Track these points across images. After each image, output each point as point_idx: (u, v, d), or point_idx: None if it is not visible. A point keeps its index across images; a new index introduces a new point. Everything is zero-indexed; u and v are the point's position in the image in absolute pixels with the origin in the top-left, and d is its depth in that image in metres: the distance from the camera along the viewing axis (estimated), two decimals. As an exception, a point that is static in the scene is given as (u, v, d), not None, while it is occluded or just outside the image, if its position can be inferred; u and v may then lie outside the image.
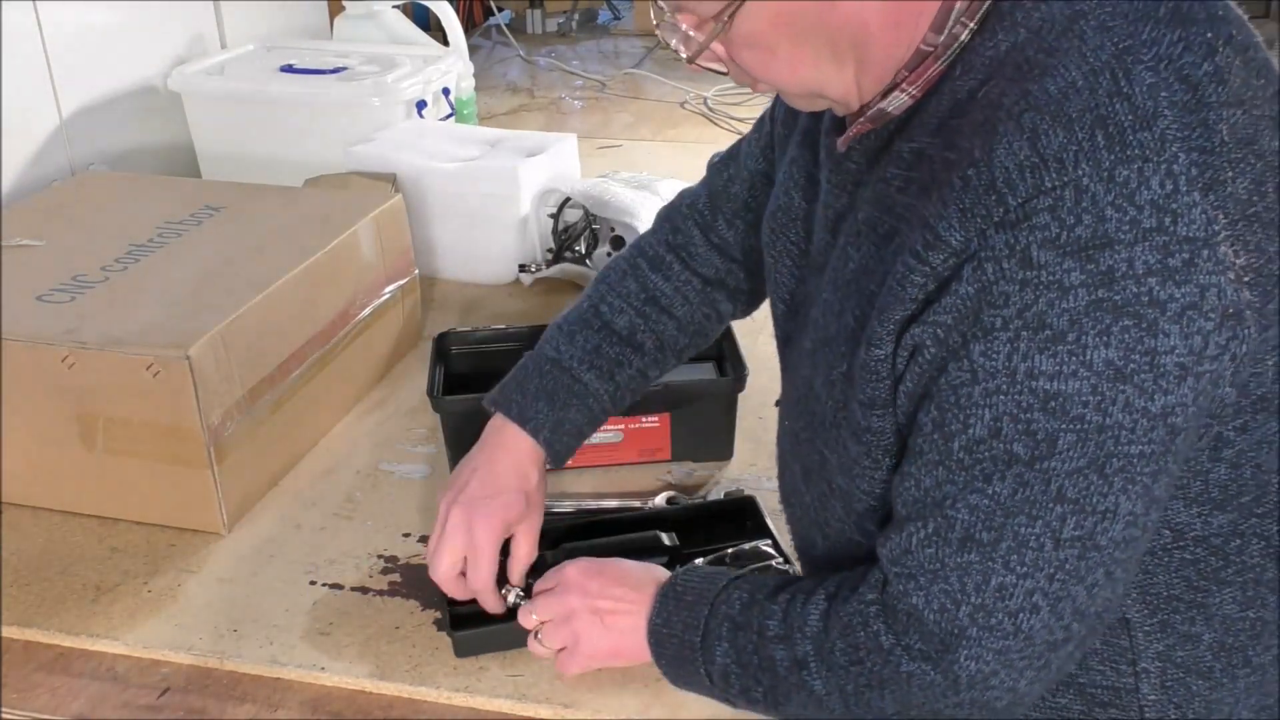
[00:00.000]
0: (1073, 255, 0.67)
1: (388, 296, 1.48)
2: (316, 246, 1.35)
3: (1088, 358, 0.68)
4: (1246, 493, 0.78)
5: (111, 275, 1.30)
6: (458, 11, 2.26)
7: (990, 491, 0.72)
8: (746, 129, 2.33)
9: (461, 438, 1.27)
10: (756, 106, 2.48)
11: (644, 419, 1.28)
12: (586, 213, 1.70)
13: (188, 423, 1.16)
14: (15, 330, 1.19)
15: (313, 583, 1.14)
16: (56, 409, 1.19)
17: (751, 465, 1.29)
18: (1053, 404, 0.69)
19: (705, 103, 2.52)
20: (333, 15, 2.36)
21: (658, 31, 0.82)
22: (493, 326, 1.43)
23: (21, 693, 1.03)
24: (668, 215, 1.16)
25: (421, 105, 1.96)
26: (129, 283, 1.29)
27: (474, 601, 1.05)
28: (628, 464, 1.30)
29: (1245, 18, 0.75)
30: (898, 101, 0.79)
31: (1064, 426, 0.69)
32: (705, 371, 1.36)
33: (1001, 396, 0.70)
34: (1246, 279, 0.68)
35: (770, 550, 1.10)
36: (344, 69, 1.99)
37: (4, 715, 1.01)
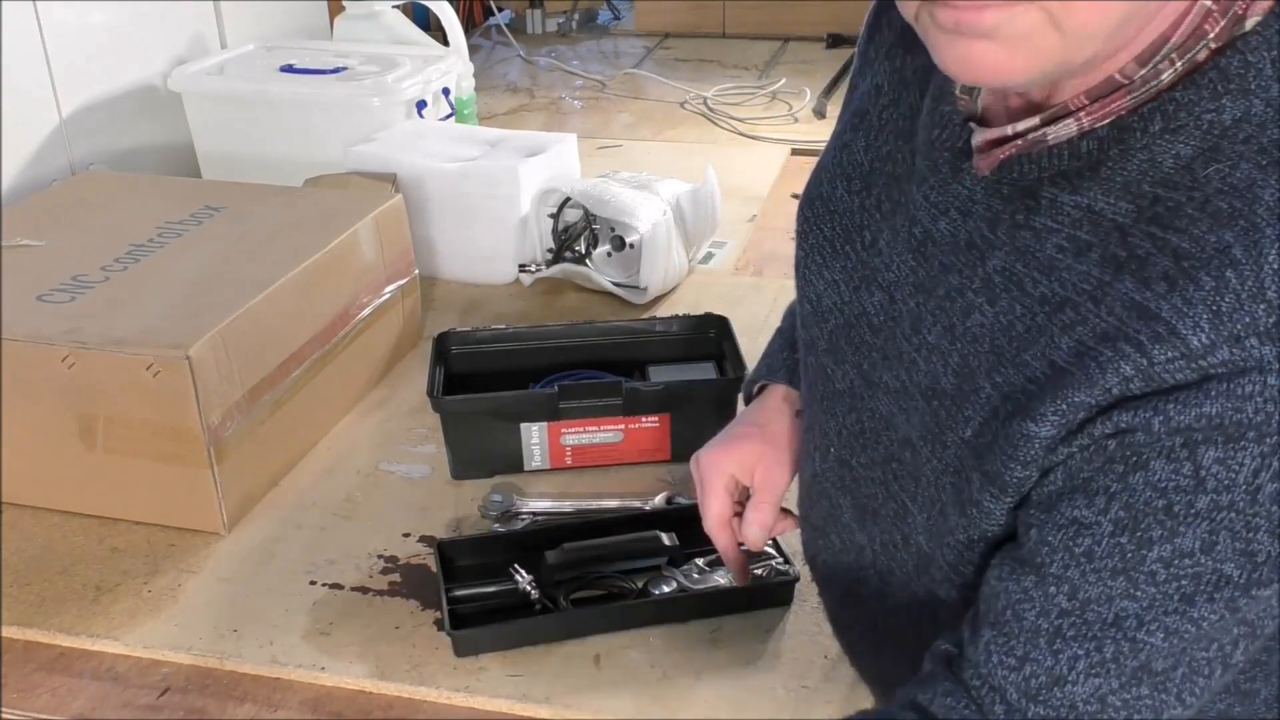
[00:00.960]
0: None
1: (388, 296, 1.48)
2: (316, 246, 1.35)
3: None
4: None
5: (111, 275, 1.30)
6: (458, 11, 2.26)
7: (1193, 615, 0.63)
8: (746, 129, 2.35)
9: (461, 438, 1.27)
10: (757, 107, 2.49)
11: (644, 419, 1.28)
12: (586, 213, 1.70)
13: (188, 423, 1.16)
14: (15, 330, 1.19)
15: (313, 583, 1.14)
16: (56, 409, 1.19)
17: None
18: None
19: (705, 103, 2.52)
20: (333, 15, 2.35)
21: None
22: (493, 326, 1.43)
23: (21, 693, 1.03)
24: None
25: (421, 105, 1.96)
26: (129, 283, 1.29)
27: (474, 600, 1.05)
28: (628, 464, 1.30)
29: None
30: (1065, 131, 0.67)
31: None
32: (705, 371, 1.36)
33: (1232, 514, 0.61)
34: None
35: (771, 550, 1.10)
36: (344, 69, 1.99)
37: (4, 715, 1.01)
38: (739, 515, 0.97)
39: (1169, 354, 0.61)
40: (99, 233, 1.41)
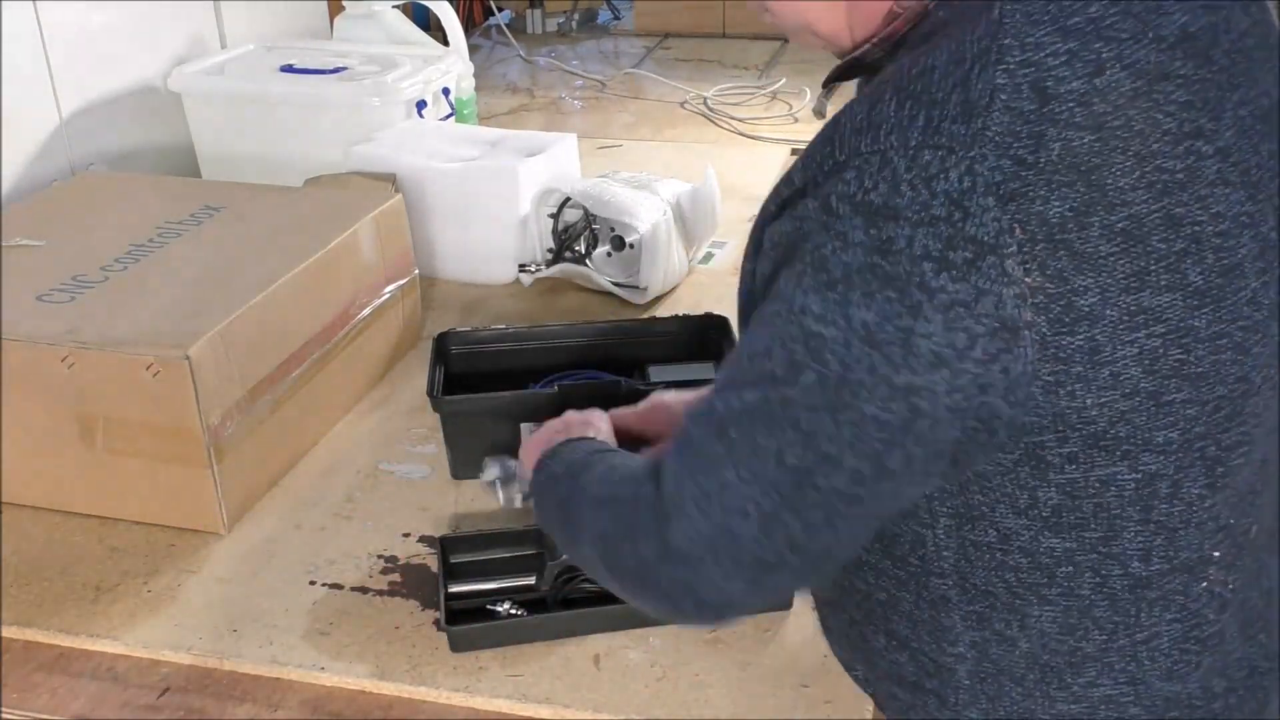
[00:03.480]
0: (862, 214, 0.70)
1: (388, 296, 1.48)
2: (316, 246, 1.35)
3: (849, 312, 0.71)
4: (1090, 528, 0.77)
5: (111, 275, 1.30)
6: (458, 11, 2.26)
7: (744, 396, 0.76)
8: (746, 129, 2.35)
9: (461, 438, 1.27)
10: (757, 107, 2.49)
11: None
12: (586, 213, 1.70)
13: (188, 423, 1.16)
14: (15, 330, 1.19)
15: (313, 583, 1.14)
16: (56, 409, 1.19)
17: None
18: (812, 342, 0.72)
19: (705, 103, 2.52)
20: (333, 15, 2.35)
21: None
22: (493, 326, 1.43)
23: (21, 693, 1.03)
24: None
25: (421, 105, 1.96)
26: (129, 283, 1.29)
27: (473, 597, 1.06)
28: None
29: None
30: (872, 56, 0.83)
31: (811, 364, 0.72)
32: (705, 371, 1.36)
33: (780, 321, 0.74)
34: (1035, 300, 0.68)
35: None
36: (344, 69, 1.99)
37: (4, 715, 1.01)
38: None
39: (787, 190, 0.78)
40: (99, 233, 1.41)
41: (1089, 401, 0.72)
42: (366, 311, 1.43)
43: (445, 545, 1.13)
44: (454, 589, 1.09)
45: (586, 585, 1.09)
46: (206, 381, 1.16)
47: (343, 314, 1.39)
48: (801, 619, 1.07)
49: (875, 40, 0.82)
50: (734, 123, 2.41)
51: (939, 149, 0.68)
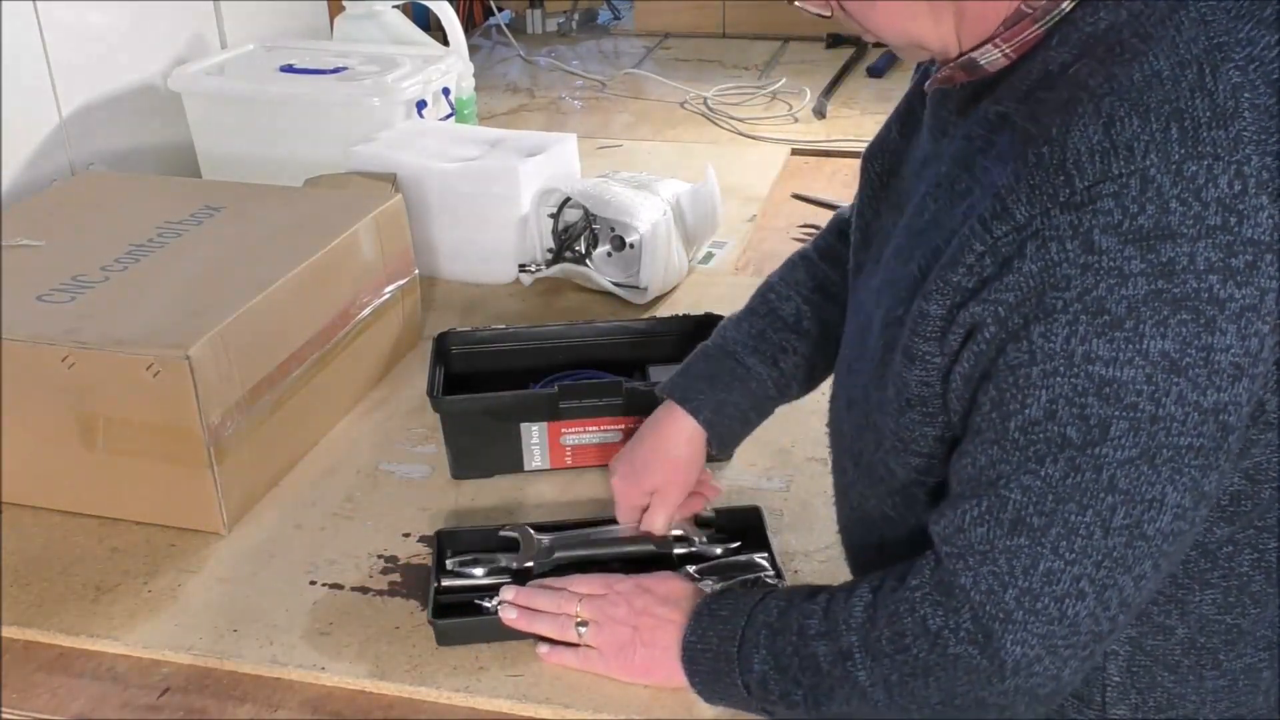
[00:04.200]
0: (1134, 243, 0.68)
1: (388, 296, 1.48)
2: (316, 246, 1.35)
3: (1144, 346, 0.68)
4: (1253, 507, 0.79)
5: (111, 275, 1.30)
6: (458, 11, 2.26)
7: (1043, 474, 0.73)
8: (746, 129, 2.35)
9: (461, 438, 1.27)
10: (757, 107, 2.49)
11: (644, 419, 1.27)
12: (586, 213, 1.70)
13: (188, 423, 1.16)
14: (15, 330, 1.19)
15: (313, 583, 1.14)
16: (56, 409, 1.19)
17: (751, 465, 1.29)
18: (1107, 390, 0.70)
19: (705, 103, 2.52)
20: (333, 15, 2.35)
21: None
22: (493, 326, 1.43)
23: (21, 693, 1.03)
24: (842, 210, 1.17)
25: (421, 105, 1.96)
26: (129, 283, 1.29)
27: (458, 591, 1.07)
28: None
29: None
30: (990, 56, 0.79)
31: (1117, 414, 0.70)
32: None
33: (1058, 379, 0.71)
34: None
35: (764, 563, 1.09)
36: (344, 69, 1.99)
37: (4, 715, 1.01)
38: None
39: (1004, 228, 0.72)
40: (99, 233, 1.41)
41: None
42: (366, 311, 1.43)
43: (441, 539, 1.13)
44: (446, 583, 1.09)
45: None
46: (206, 381, 1.16)
47: (343, 314, 1.39)
48: (801, 619, 1.07)
49: (1006, 45, 0.78)
50: (734, 123, 2.41)
51: (1204, 158, 0.67)
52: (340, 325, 1.38)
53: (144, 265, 1.33)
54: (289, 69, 1.99)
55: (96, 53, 1.94)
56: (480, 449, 1.27)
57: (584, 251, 1.71)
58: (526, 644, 1.04)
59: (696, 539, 1.12)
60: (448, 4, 2.20)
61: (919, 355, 0.80)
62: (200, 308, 1.22)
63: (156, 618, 1.10)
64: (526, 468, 1.29)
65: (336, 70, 1.98)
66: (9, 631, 1.09)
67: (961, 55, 0.81)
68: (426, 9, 2.35)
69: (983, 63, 0.80)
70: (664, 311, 1.63)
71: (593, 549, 1.12)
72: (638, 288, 1.67)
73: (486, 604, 1.06)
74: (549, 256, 1.74)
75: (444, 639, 1.04)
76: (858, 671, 0.81)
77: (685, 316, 1.44)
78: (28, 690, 1.03)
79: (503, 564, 1.10)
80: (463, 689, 1.00)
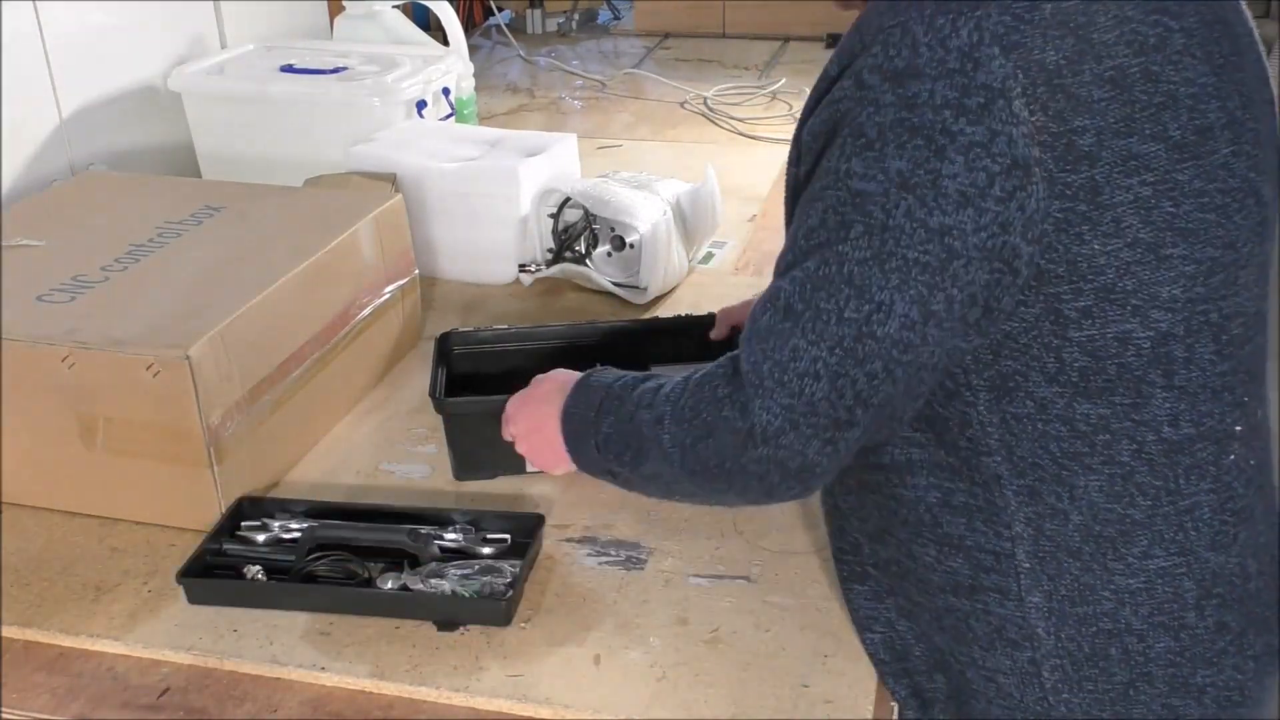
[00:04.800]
0: (889, 80, 0.80)
1: (388, 296, 1.48)
2: (316, 246, 1.35)
3: (885, 165, 0.80)
4: (1117, 391, 0.85)
5: (111, 275, 1.30)
6: (458, 11, 2.26)
7: (807, 266, 0.85)
8: (746, 129, 2.35)
9: (463, 439, 1.27)
10: (757, 107, 2.49)
11: None
12: (586, 213, 1.69)
13: (188, 423, 1.16)
14: (15, 330, 1.19)
15: (313, 583, 1.14)
16: (56, 409, 1.19)
17: None
18: (857, 200, 0.81)
19: (705, 103, 2.52)
20: (333, 15, 2.35)
21: None
22: (495, 327, 1.43)
23: (21, 693, 1.03)
24: None
25: (421, 105, 1.96)
26: (129, 283, 1.28)
27: (245, 558, 1.14)
28: None
29: None
30: None
31: (858, 218, 0.82)
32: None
33: (829, 192, 0.83)
34: (1041, 139, 0.78)
35: (508, 569, 1.11)
36: (344, 69, 1.99)
37: (4, 715, 1.01)
38: None
39: (825, 84, 0.87)
40: (99, 233, 1.41)
41: (1096, 248, 0.81)
42: (366, 311, 1.43)
43: (242, 505, 1.19)
44: (226, 546, 1.15)
45: (332, 566, 1.13)
46: (206, 381, 1.16)
47: (343, 314, 1.39)
48: (802, 618, 1.07)
49: None
50: (734, 123, 2.41)
51: (949, 12, 0.78)
52: (340, 325, 1.38)
53: (144, 265, 1.33)
54: (289, 69, 1.99)
55: (96, 53, 1.94)
56: (483, 451, 1.27)
57: (584, 251, 1.71)
58: (526, 643, 1.05)
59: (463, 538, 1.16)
60: (448, 4, 2.20)
61: (790, 179, 0.94)
62: (200, 308, 1.22)
63: (156, 618, 1.10)
64: (529, 469, 1.29)
65: (336, 70, 1.98)
66: (9, 631, 1.09)
67: None
68: (426, 9, 2.35)
69: None
70: (665, 311, 1.62)
71: (352, 533, 1.14)
72: (638, 288, 1.67)
73: (247, 572, 1.11)
74: (549, 256, 1.74)
75: (194, 598, 1.10)
76: (663, 434, 0.93)
77: (689, 316, 1.44)
78: (28, 690, 1.03)
79: (278, 534, 1.16)
80: (463, 689, 1.00)
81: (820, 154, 0.85)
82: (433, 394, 1.28)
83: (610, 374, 1.04)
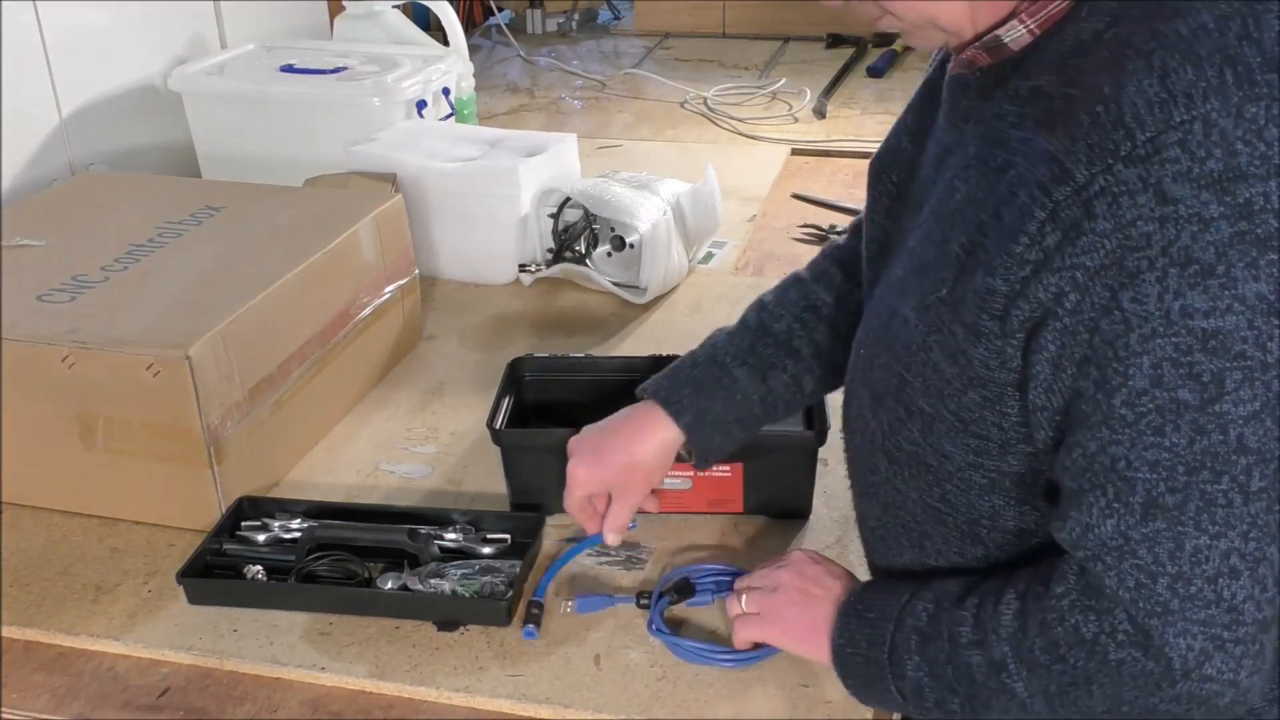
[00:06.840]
0: (1208, 188, 0.67)
1: (388, 296, 1.48)
2: (316, 246, 1.35)
3: (1240, 291, 0.67)
4: None
5: (111, 275, 1.30)
6: (458, 11, 2.26)
7: (1166, 444, 0.70)
8: (746, 129, 2.35)
9: (521, 471, 1.21)
10: (757, 107, 2.49)
11: (715, 468, 1.16)
12: (586, 213, 1.70)
13: (188, 423, 1.16)
14: (15, 330, 1.19)
15: (313, 583, 1.14)
16: (56, 409, 1.19)
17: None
18: (1213, 342, 0.68)
19: (705, 103, 2.52)
20: (333, 15, 2.35)
21: None
22: (569, 355, 1.34)
23: (21, 693, 1.03)
24: (836, 239, 1.17)
25: (421, 105, 1.96)
26: (129, 283, 1.29)
27: (246, 559, 1.13)
28: (696, 513, 1.20)
29: None
30: (1015, 33, 0.79)
31: (1229, 365, 0.68)
32: (789, 421, 1.19)
33: (1159, 341, 0.69)
34: None
35: (503, 569, 1.11)
36: (344, 69, 1.99)
37: (4, 715, 1.01)
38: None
39: (1065, 190, 0.71)
40: (99, 233, 1.41)
41: None
42: (366, 311, 1.43)
43: (242, 505, 1.19)
44: (227, 546, 1.15)
45: (332, 566, 1.12)
46: (206, 381, 1.16)
47: (343, 314, 1.39)
48: (801, 619, 1.07)
49: (1031, 20, 0.79)
50: (734, 123, 2.41)
51: (1260, 100, 0.68)
52: (340, 325, 1.38)
53: (144, 265, 1.33)
54: (289, 69, 1.99)
55: (96, 53, 1.94)
56: (539, 484, 1.19)
57: (584, 251, 1.71)
58: (526, 643, 1.05)
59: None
60: (448, 4, 2.20)
61: (984, 332, 0.77)
62: (200, 308, 1.22)
63: (156, 618, 1.10)
64: None
65: (336, 70, 1.98)
66: (9, 631, 1.09)
67: (978, 36, 0.82)
68: (426, 9, 2.35)
69: (1007, 40, 0.80)
70: (664, 311, 1.62)
71: (352, 534, 1.14)
72: (638, 288, 1.67)
73: (248, 572, 1.11)
74: (549, 256, 1.74)
75: (193, 597, 1.10)
76: (1014, 683, 0.80)
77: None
78: (28, 690, 1.03)
79: (278, 534, 1.16)
80: (463, 689, 1.00)
81: (1104, 301, 0.70)
82: (490, 424, 1.20)
83: (885, 593, 0.90)
